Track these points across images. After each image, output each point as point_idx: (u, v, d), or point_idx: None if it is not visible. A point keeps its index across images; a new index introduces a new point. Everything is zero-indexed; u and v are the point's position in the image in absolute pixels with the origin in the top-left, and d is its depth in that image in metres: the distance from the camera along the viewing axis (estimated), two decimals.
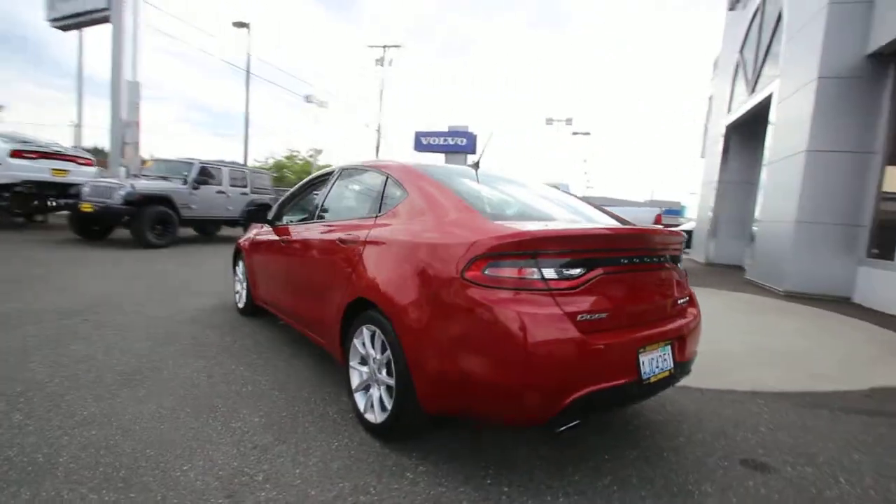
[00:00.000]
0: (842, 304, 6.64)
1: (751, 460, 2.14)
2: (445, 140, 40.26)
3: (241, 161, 11.40)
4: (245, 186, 11.50)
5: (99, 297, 4.54)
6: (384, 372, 2.09)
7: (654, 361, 1.89)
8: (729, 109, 11.64)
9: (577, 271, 1.73)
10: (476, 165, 2.77)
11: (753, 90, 9.90)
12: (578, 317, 1.67)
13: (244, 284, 4.19)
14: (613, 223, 2.38)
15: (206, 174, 10.14)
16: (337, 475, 1.83)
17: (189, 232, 11.86)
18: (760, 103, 9.35)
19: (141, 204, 8.67)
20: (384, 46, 35.50)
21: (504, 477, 1.89)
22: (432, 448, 2.07)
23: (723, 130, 11.82)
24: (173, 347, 3.23)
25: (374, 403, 2.13)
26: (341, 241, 2.47)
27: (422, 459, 1.98)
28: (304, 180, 3.63)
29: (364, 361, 2.26)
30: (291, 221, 3.79)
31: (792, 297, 6.92)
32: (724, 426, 2.48)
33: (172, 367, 2.86)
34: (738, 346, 4.07)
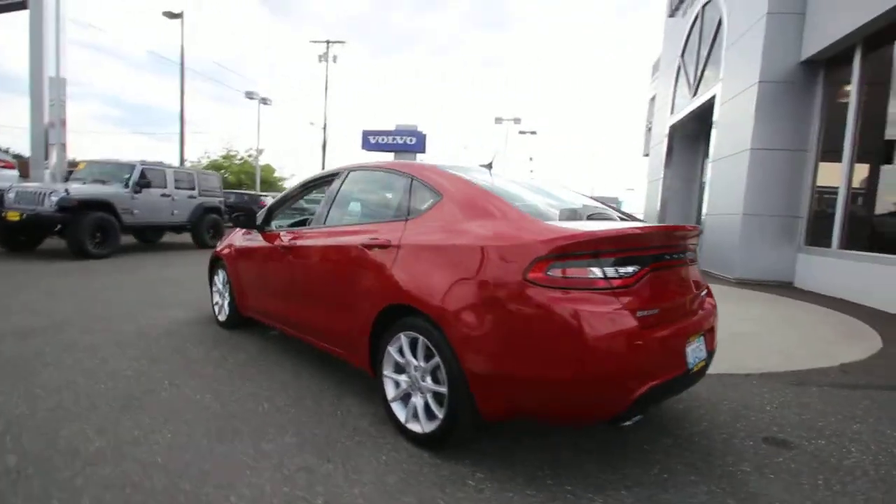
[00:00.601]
0: (785, 288, 7.32)
1: (771, 438, 2.30)
2: (394, 139, 39.88)
3: (169, 161, 10.57)
4: (192, 189, 10.78)
5: (56, 315, 4.07)
6: (429, 380, 2.03)
7: (694, 352, 1.98)
8: (672, 111, 12.43)
9: (632, 269, 1.77)
10: (489, 166, 2.76)
11: (696, 93, 10.64)
12: (638, 313, 1.71)
13: (226, 295, 3.91)
14: (642, 221, 2.47)
15: (148, 176, 9.39)
16: (398, 490, 1.76)
17: (128, 239, 10.96)
18: (703, 105, 10.06)
19: (77, 210, 7.87)
20: (327, 42, 34.57)
21: (561, 476, 1.90)
22: (479, 454, 2.03)
23: (667, 130, 12.61)
24: (162, 366, 2.96)
25: (418, 413, 2.07)
26: (365, 245, 2.37)
27: (475, 466, 1.94)
28: (299, 183, 3.45)
29: (401, 370, 2.19)
30: (283, 226, 3.61)
31: (743, 284, 7.53)
32: (736, 408, 2.65)
33: (170, 389, 2.62)
34: None
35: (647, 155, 16.97)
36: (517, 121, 31.86)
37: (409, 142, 37.20)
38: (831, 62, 6.96)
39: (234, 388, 2.66)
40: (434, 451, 2.04)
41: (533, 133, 37.21)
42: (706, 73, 10.09)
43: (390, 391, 2.23)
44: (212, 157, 37.22)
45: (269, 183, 37.63)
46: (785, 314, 5.41)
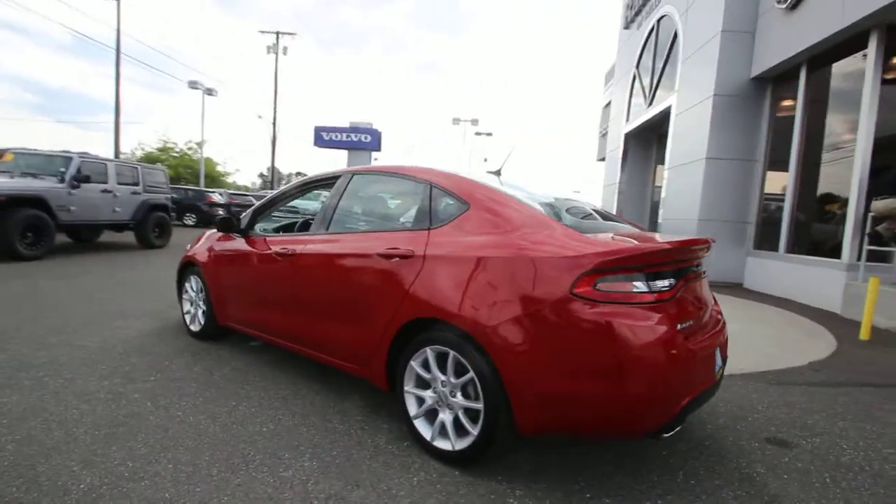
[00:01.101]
0: (736, 288, 7.86)
1: (772, 438, 2.43)
2: (348, 136, 39.06)
3: (101, 153, 9.59)
4: (136, 185, 9.97)
5: (1, 328, 3.60)
6: (460, 395, 1.97)
7: (716, 361, 2.04)
8: (627, 119, 13.01)
9: (668, 282, 1.79)
10: (498, 173, 2.73)
11: (651, 103, 11.19)
12: (678, 325, 1.74)
13: (200, 304, 3.62)
14: (652, 233, 2.52)
15: (87, 170, 8.56)
16: None
17: (60, 238, 9.99)
18: (658, 115, 10.60)
19: (5, 207, 7.03)
20: (277, 33, 33.29)
21: (595, 487, 1.89)
22: (510, 469, 1.99)
23: (622, 137, 13.18)
24: (140, 385, 2.68)
25: (447, 430, 1.99)
26: (383, 255, 2.25)
27: (511, 483, 1.89)
28: (289, 186, 3.24)
29: (425, 385, 2.10)
30: (268, 230, 3.39)
31: None
32: (732, 409, 2.78)
33: (156, 412, 2.37)
34: None
35: (602, 159, 17.66)
36: (475, 122, 32.15)
37: (364, 140, 36.56)
38: (778, 79, 7.55)
39: (229, 408, 2.45)
40: (464, 468, 1.97)
41: (489, 135, 37.71)
42: (661, 84, 10.63)
43: (412, 408, 2.13)
44: (146, 149, 34.59)
45: (212, 178, 35.56)
46: (749, 315, 5.79)
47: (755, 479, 2.02)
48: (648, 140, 12.79)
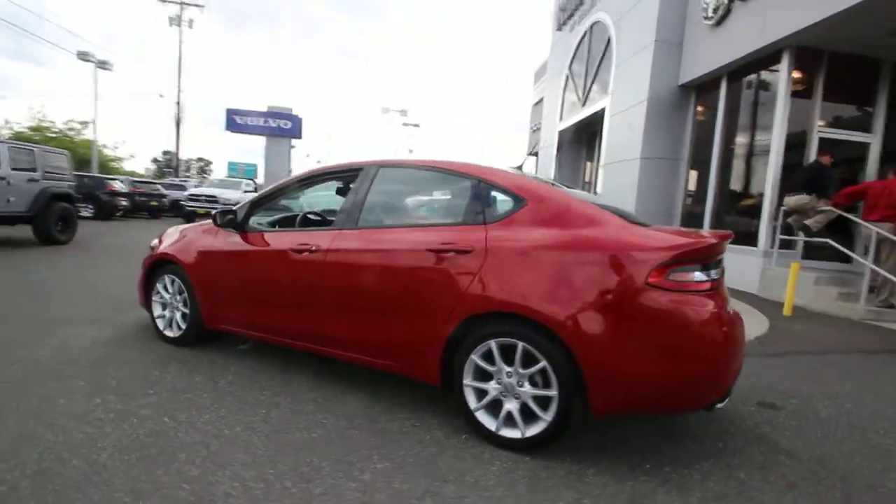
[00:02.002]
0: None
1: (762, 402, 2.81)
2: (266, 121, 36.66)
3: None
4: (34, 171, 8.59)
5: None
6: (527, 385, 2.03)
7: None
8: (561, 117, 13.77)
9: (714, 272, 2.00)
10: (519, 168, 2.81)
11: (585, 103, 11.95)
12: (724, 310, 1.96)
13: (178, 306, 3.26)
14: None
15: None
16: (539, 498, 1.74)
17: None
18: (592, 115, 11.37)
19: None
20: (181, 3, 30.26)
21: (652, 459, 2.07)
22: (572, 453, 2.10)
23: (556, 135, 13.94)
24: (142, 401, 2.38)
25: (515, 419, 2.05)
26: (436, 251, 2.23)
27: (579, 463, 2.00)
28: (296, 177, 3.02)
29: (486, 378, 2.14)
30: (262, 225, 3.17)
31: None
32: None
33: (181, 427, 2.14)
34: None
35: (534, 154, 18.49)
36: (404, 112, 31.88)
37: (283, 126, 34.61)
38: (701, 87, 8.47)
39: (261, 417, 2.28)
40: (531, 454, 2.05)
41: (416, 126, 37.66)
42: (595, 86, 11.40)
43: (472, 401, 2.16)
44: (15, 128, 29.46)
45: (100, 164, 31.26)
46: None
47: (768, 438, 2.35)
48: (580, 138, 13.65)
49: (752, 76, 7.38)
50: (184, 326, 3.25)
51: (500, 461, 1.99)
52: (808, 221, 5.94)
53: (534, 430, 2.02)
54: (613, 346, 1.86)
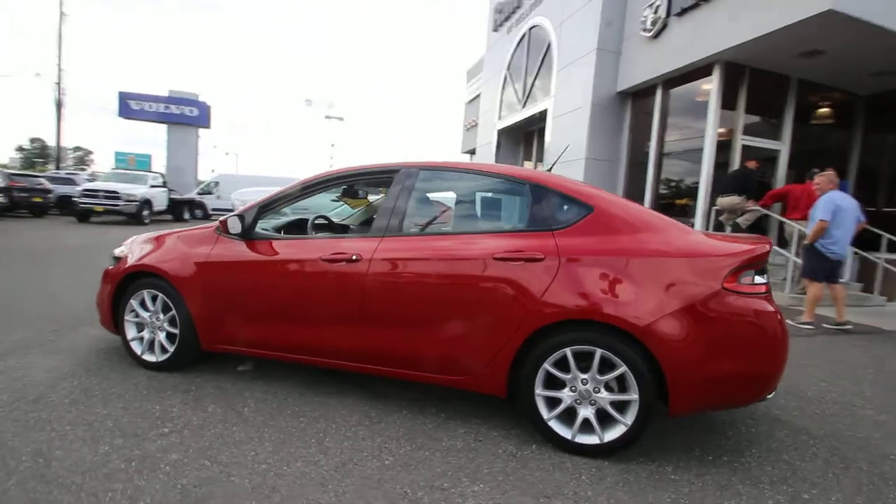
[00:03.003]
0: None
1: None
2: (167, 107, 33.23)
3: None
4: None
5: None
6: (604, 391, 2.06)
7: None
8: (500, 116, 14.12)
9: (767, 276, 2.17)
10: (549, 170, 2.84)
11: (525, 104, 12.37)
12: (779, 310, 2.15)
13: (165, 326, 2.83)
14: None
15: None
16: (642, 502, 1.77)
17: None
18: (532, 116, 11.80)
19: None
20: None
21: (712, 451, 2.21)
22: (643, 453, 2.17)
23: (495, 133, 14.27)
24: (159, 442, 2.04)
25: (593, 425, 2.07)
26: (502, 259, 2.16)
27: (653, 463, 2.08)
28: (312, 179, 2.74)
29: (558, 386, 2.13)
30: (266, 231, 2.86)
31: None
32: None
33: (229, 469, 1.86)
34: None
35: (469, 152, 18.76)
36: (330, 105, 30.56)
37: (188, 113, 31.51)
38: (637, 94, 9.17)
39: (318, 448, 2.06)
40: (607, 457, 2.08)
41: (340, 119, 36.38)
42: (535, 88, 11.84)
43: (545, 410, 2.14)
44: None
45: None
46: None
47: (784, 420, 2.61)
48: (517, 137, 14.12)
49: (687, 86, 8.14)
50: (171, 349, 2.83)
51: (584, 469, 2.00)
52: (738, 220, 6.72)
53: (612, 434, 2.05)
54: (695, 348, 1.94)
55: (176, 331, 2.81)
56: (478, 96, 17.25)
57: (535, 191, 2.30)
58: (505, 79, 13.67)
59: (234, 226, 2.60)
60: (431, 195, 2.56)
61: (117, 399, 2.43)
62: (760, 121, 7.86)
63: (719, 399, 2.06)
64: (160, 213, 16.77)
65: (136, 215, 14.68)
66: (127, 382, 2.66)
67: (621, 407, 2.05)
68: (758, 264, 2.05)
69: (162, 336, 2.87)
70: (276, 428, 2.22)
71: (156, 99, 31.54)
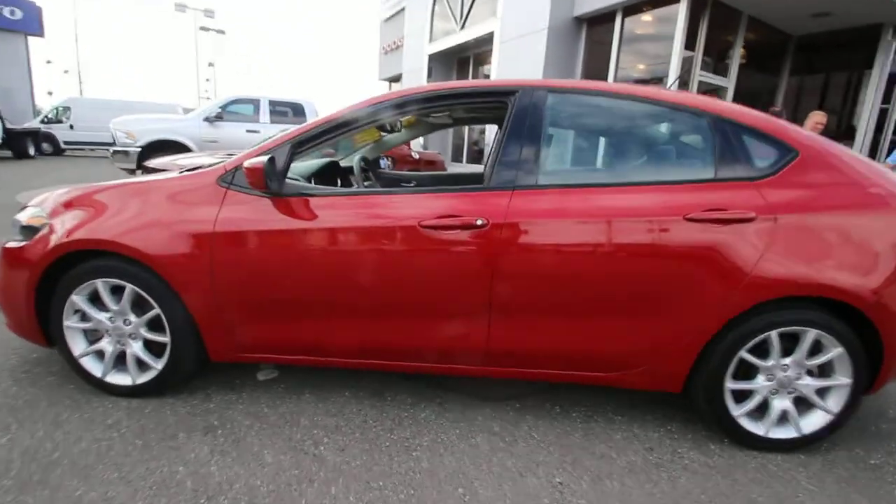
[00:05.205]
0: None
1: None
2: None
3: None
4: None
5: None
6: (806, 376, 1.71)
7: None
8: (430, 39, 12.75)
9: None
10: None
11: (464, 26, 11.21)
12: None
13: (140, 333, 1.86)
14: None
15: None
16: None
17: None
18: (475, 39, 10.78)
19: None
20: None
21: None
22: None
23: (426, 59, 12.95)
24: (232, 492, 1.26)
25: (792, 417, 1.73)
26: (698, 220, 1.60)
27: (852, 450, 1.83)
28: (379, 100, 1.80)
29: (751, 375, 1.73)
30: (297, 181, 1.96)
31: None
32: None
33: None
34: None
35: (390, 79, 17.04)
36: (209, 13, 25.32)
37: (7, 15, 24.41)
38: (593, 21, 8.66)
39: (472, 479, 1.44)
40: (790, 452, 1.78)
41: (221, 32, 30.79)
42: (476, 7, 10.71)
43: (733, 405, 1.74)
44: None
45: None
46: None
47: None
48: (449, 63, 13.00)
49: (650, 13, 7.81)
50: (158, 364, 1.88)
51: (801, 471, 1.66)
52: None
53: (813, 424, 1.73)
54: None
55: (163, 338, 1.85)
56: (398, 13, 15.42)
57: (720, 125, 1.71)
58: None
59: (266, 171, 1.64)
60: (551, 129, 1.83)
61: (89, 469, 1.50)
62: (714, 56, 7.92)
63: None
64: None
65: None
66: (94, 427, 1.70)
67: (823, 393, 1.73)
68: None
69: (138, 347, 1.89)
70: (379, 456, 1.53)
71: None
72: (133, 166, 7.00)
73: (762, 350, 1.69)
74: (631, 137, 1.97)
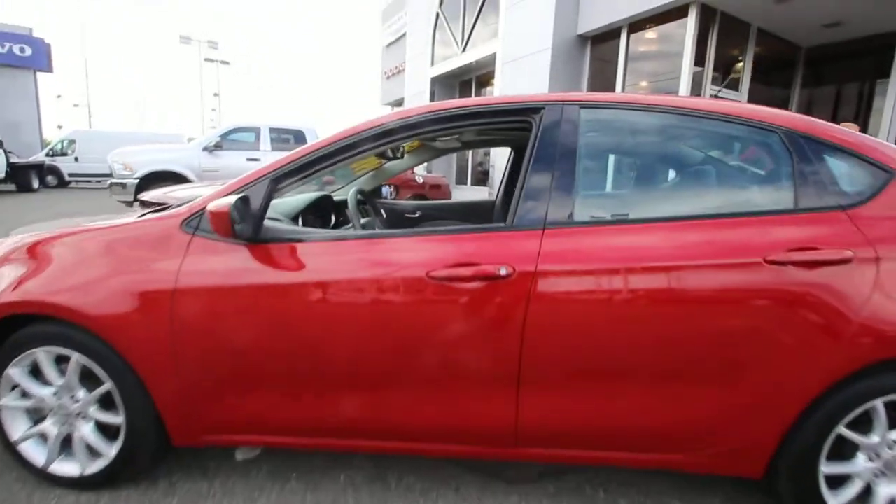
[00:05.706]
0: None
1: None
2: None
3: None
4: None
5: None
6: None
7: None
8: (432, 63, 12.70)
9: None
10: None
11: (465, 49, 11.13)
12: None
13: (87, 411, 1.53)
14: None
15: None
16: None
17: None
18: (477, 61, 10.67)
19: None
20: None
21: None
22: None
23: (428, 81, 12.88)
24: None
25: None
26: (779, 263, 1.26)
27: None
28: (379, 124, 1.50)
29: (844, 455, 1.36)
30: (276, 222, 1.65)
31: None
32: None
33: None
34: None
35: (393, 103, 17.02)
36: (213, 44, 25.75)
37: (19, 52, 25.12)
38: (597, 38, 8.50)
39: None
40: None
41: (225, 63, 31.36)
42: (479, 30, 10.63)
43: (828, 493, 1.36)
44: None
45: None
46: None
47: None
48: (451, 85, 12.92)
49: (656, 29, 7.63)
50: (111, 451, 1.54)
51: None
52: None
53: None
54: None
55: (117, 419, 1.51)
56: (399, 38, 15.49)
57: (796, 142, 1.39)
58: (437, 17, 12.21)
59: (232, 216, 1.32)
60: (587, 152, 1.51)
61: None
62: (723, 71, 7.69)
63: None
64: None
65: None
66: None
67: None
68: None
69: (87, 430, 1.55)
70: None
71: None
72: (130, 198, 6.80)
73: (865, 423, 1.33)
74: (684, 160, 1.64)
